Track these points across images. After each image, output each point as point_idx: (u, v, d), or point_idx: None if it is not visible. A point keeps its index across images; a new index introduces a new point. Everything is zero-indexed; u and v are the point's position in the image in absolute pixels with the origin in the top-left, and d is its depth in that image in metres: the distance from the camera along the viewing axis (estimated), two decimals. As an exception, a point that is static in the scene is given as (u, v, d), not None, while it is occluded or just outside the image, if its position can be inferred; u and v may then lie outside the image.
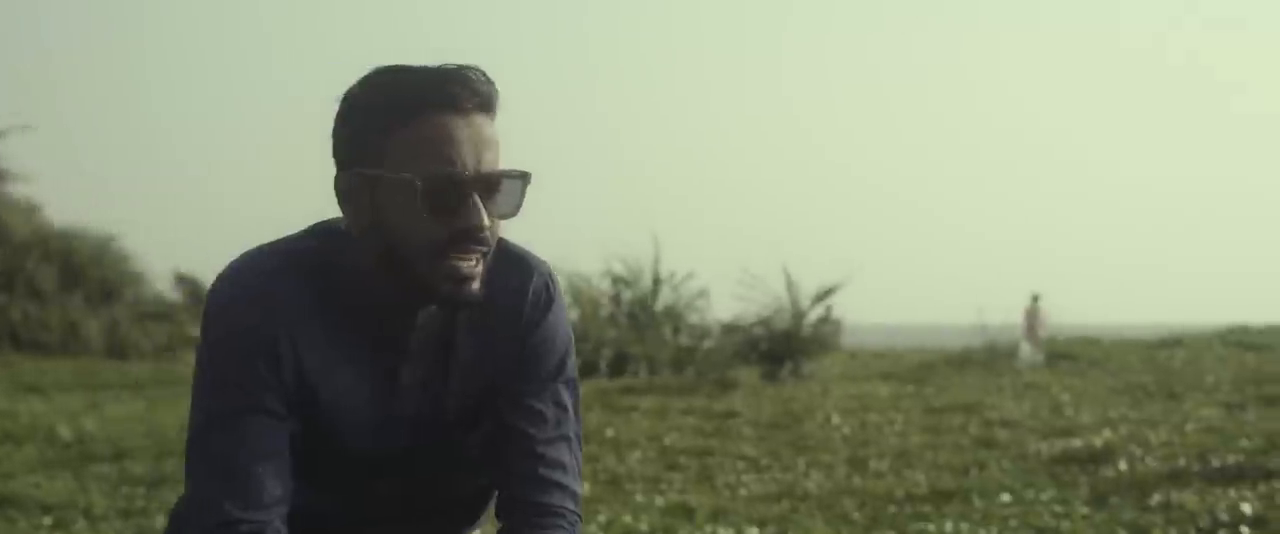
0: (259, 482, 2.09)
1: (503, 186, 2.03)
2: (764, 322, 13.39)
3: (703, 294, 17.91)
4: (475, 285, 2.06)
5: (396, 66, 2.08)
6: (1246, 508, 5.93)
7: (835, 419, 10.63)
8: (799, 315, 13.41)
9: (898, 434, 10.00)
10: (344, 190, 2.06)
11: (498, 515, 2.28)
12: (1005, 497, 7.04)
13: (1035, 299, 29.04)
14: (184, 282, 25.54)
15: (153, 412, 12.10)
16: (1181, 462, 7.75)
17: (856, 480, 7.97)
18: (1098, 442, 8.80)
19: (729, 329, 14.10)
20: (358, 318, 2.14)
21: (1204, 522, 5.78)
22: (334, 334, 2.13)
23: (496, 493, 2.30)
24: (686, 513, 6.99)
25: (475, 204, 2.00)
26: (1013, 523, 6.30)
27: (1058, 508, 6.64)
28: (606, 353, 16.63)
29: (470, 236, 2.01)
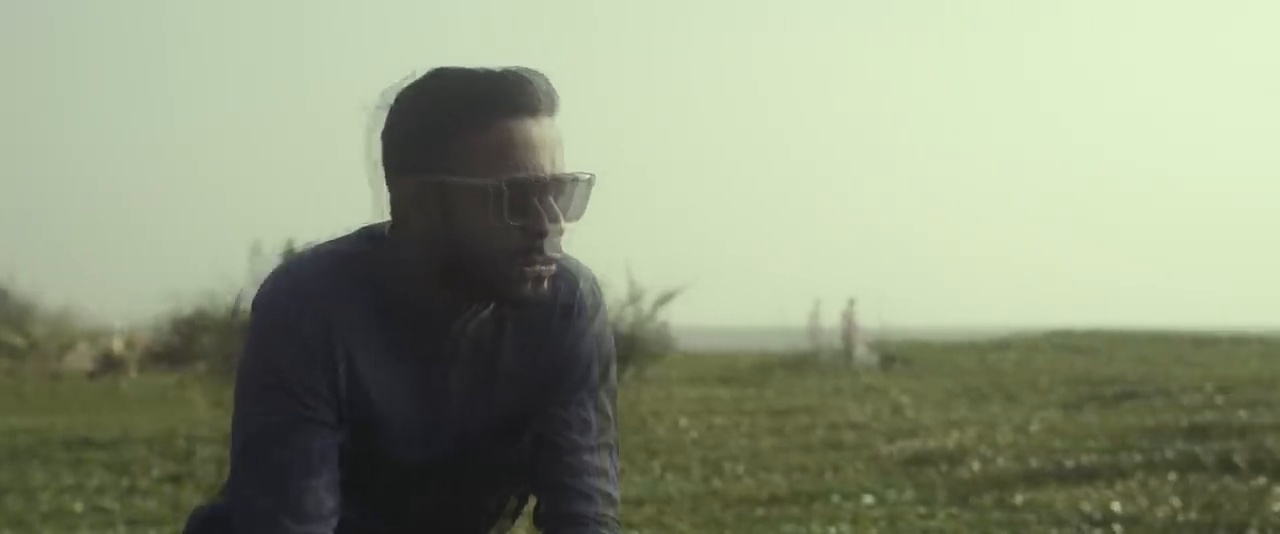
0: (315, 495, 2.02)
1: (574, 189, 2.00)
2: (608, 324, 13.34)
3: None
4: (546, 287, 2.02)
5: (457, 69, 2.04)
6: (1116, 506, 6.02)
7: (682, 422, 10.61)
8: (641, 319, 13.40)
9: (747, 437, 10.02)
10: (409, 195, 2.01)
11: (537, 522, 2.22)
12: (867, 498, 7.06)
13: (851, 304, 29.61)
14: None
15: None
16: (1033, 462, 7.85)
17: (716, 483, 7.94)
18: (949, 443, 8.88)
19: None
20: (408, 325, 2.08)
21: (1075, 520, 5.85)
22: (385, 341, 2.07)
23: (533, 499, 2.25)
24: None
25: (552, 208, 1.98)
26: (882, 524, 6.32)
27: (921, 509, 6.67)
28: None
29: (547, 239, 1.99)
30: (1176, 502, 6.17)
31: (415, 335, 2.09)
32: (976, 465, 7.92)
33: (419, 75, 2.05)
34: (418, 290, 2.06)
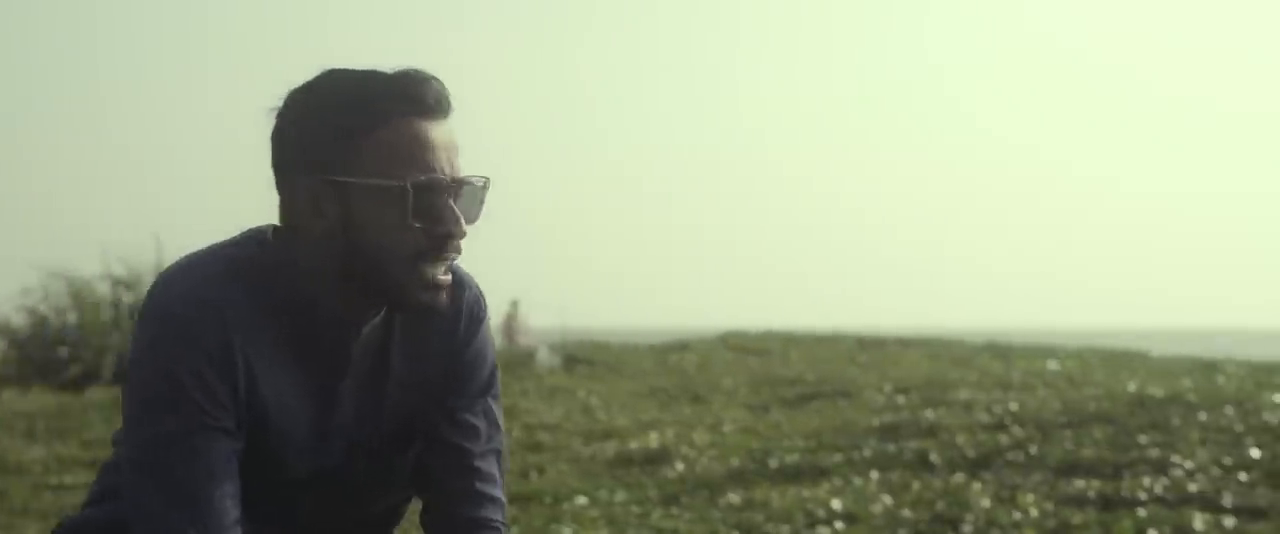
0: (221, 505, 1.95)
1: (471, 192, 1.95)
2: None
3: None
4: (445, 294, 1.98)
5: (353, 70, 1.99)
6: (836, 504, 6.18)
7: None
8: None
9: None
10: (306, 196, 1.93)
11: (427, 527, 2.19)
12: (581, 499, 7.09)
13: (513, 304, 29.59)
14: None
15: None
16: (735, 462, 8.01)
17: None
18: (649, 444, 8.98)
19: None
20: (300, 330, 2.01)
21: (799, 518, 5.99)
22: (278, 346, 2.00)
23: (418, 504, 2.22)
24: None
25: (454, 210, 1.94)
26: (603, 524, 6.35)
27: (635, 509, 6.73)
28: (109, 359, 15.91)
29: (450, 242, 1.96)
30: (888, 498, 6.38)
31: (309, 342, 2.03)
32: (681, 466, 8.03)
33: (312, 77, 1.98)
34: (312, 295, 2.00)
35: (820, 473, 7.43)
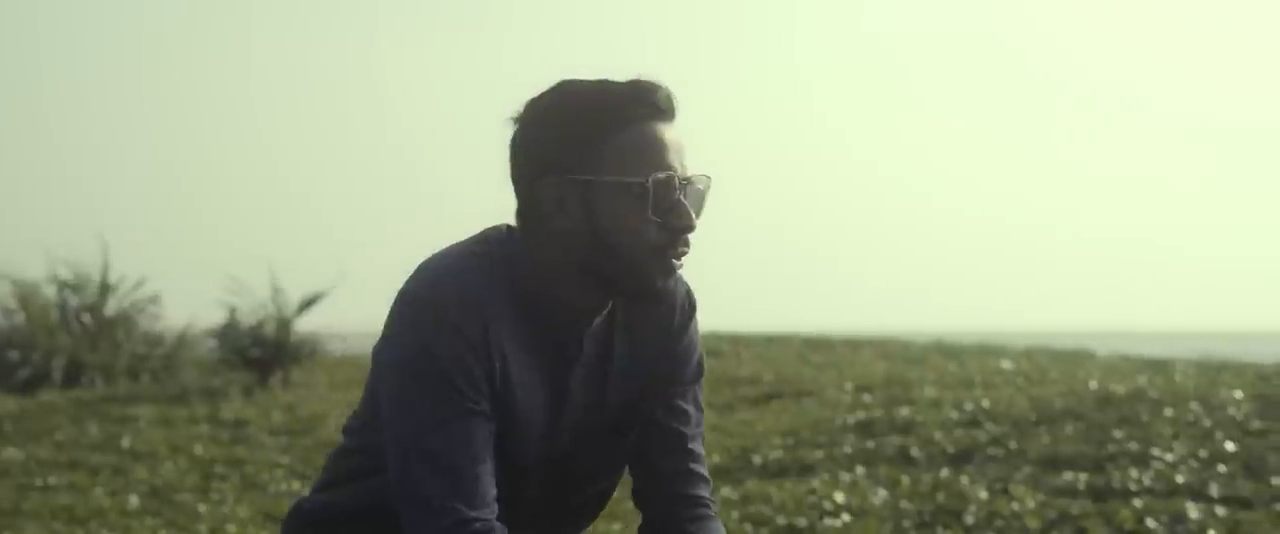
0: (482, 482, 2.13)
1: (697, 189, 2.10)
2: (252, 329, 13.09)
3: (154, 300, 17.33)
4: (673, 282, 2.13)
5: (587, 80, 2.16)
6: (839, 497, 6.35)
7: (349, 426, 10.54)
8: (285, 322, 13.19)
9: (416, 439, 10.04)
10: (551, 196, 2.08)
11: (643, 504, 2.32)
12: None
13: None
14: None
15: None
16: (718, 458, 8.14)
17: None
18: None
19: (214, 335, 13.69)
20: (542, 322, 2.14)
21: (807, 510, 6.15)
22: (522, 337, 2.14)
23: (637, 485, 2.34)
24: (276, 519, 6.82)
25: (685, 205, 2.07)
26: (612, 518, 6.48)
27: (628, 504, 6.85)
28: (59, 362, 15.84)
29: (684, 235, 2.14)
30: (883, 492, 6.55)
31: (548, 333, 2.18)
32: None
33: (548, 87, 2.13)
34: (553, 288, 2.15)
35: (806, 469, 7.60)
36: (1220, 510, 5.67)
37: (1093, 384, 10.21)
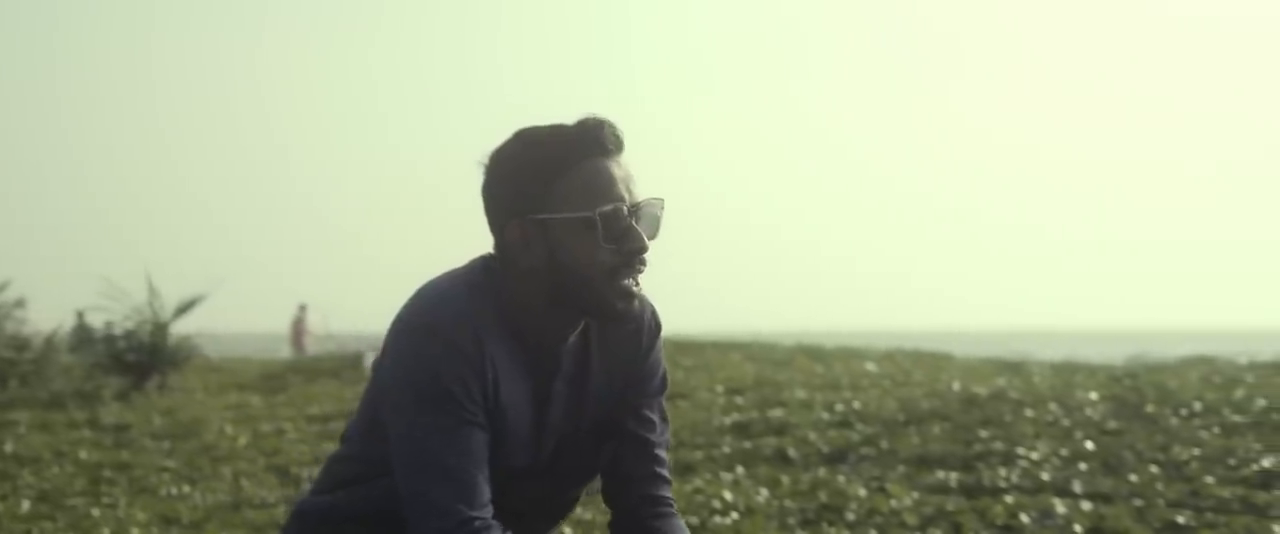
0: (480, 485, 2.41)
1: (649, 213, 2.33)
2: (127, 333, 13.08)
3: (20, 304, 17.20)
4: (636, 303, 2.36)
5: (540, 126, 2.36)
6: (728, 496, 6.62)
7: (229, 430, 10.61)
8: (162, 326, 13.21)
9: (297, 442, 10.14)
10: (515, 237, 2.31)
11: (612, 502, 2.56)
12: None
13: (302, 308, 29.38)
14: None
15: None
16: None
17: (308, 486, 8.10)
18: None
19: (90, 340, 13.66)
20: (525, 344, 2.36)
21: (697, 508, 6.40)
22: (510, 356, 2.36)
23: (607, 485, 2.58)
24: (171, 522, 6.93)
25: (637, 230, 2.30)
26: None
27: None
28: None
29: (638, 257, 2.31)
30: (765, 491, 6.84)
31: (530, 354, 2.41)
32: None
33: (507, 138, 2.37)
34: (530, 315, 2.37)
35: (687, 469, 7.86)
36: (1085, 506, 6.03)
37: (956, 386, 10.62)
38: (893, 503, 6.29)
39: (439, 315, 2.37)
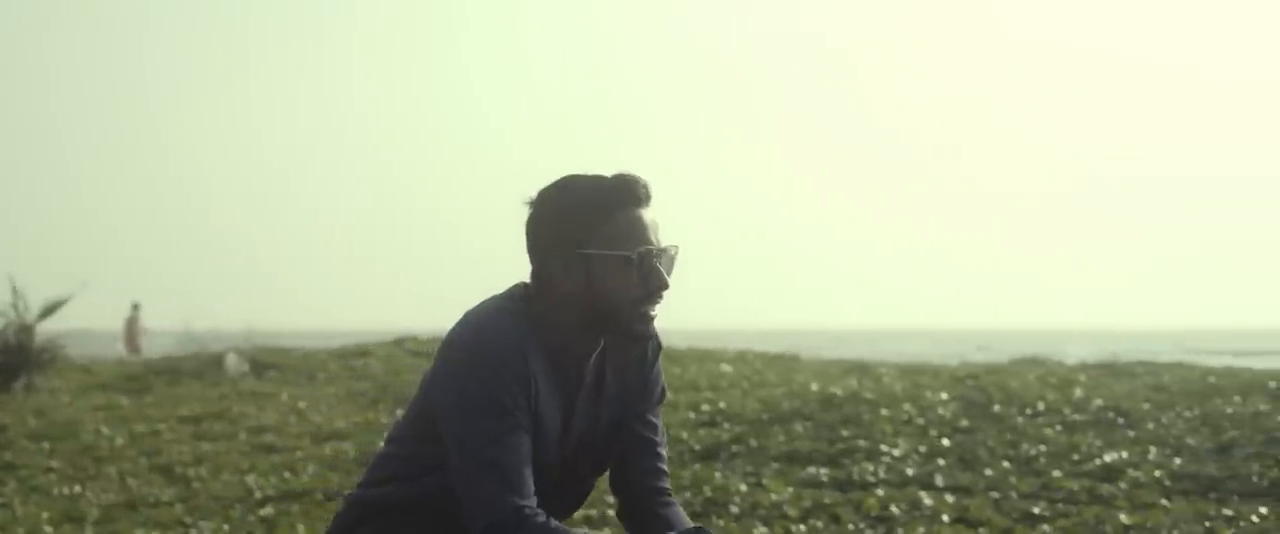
0: (527, 482, 2.86)
1: (669, 256, 2.79)
2: (-8, 336, 13.12)
3: None
4: (652, 326, 2.80)
5: (585, 175, 2.87)
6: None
7: (105, 430, 10.75)
8: (27, 328, 13.27)
9: (174, 442, 10.32)
10: (558, 266, 2.74)
11: (620, 492, 3.00)
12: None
13: (135, 308, 29.18)
14: None
15: None
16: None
17: (198, 485, 8.37)
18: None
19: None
20: (556, 360, 2.80)
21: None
22: (546, 372, 2.80)
23: (615, 478, 3.01)
24: (76, 520, 7.15)
25: (660, 270, 2.75)
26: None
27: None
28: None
29: (660, 292, 2.76)
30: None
31: (560, 368, 2.85)
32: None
33: (556, 179, 2.80)
34: (562, 335, 2.81)
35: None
36: (949, 498, 6.57)
37: (814, 386, 11.17)
38: (772, 497, 6.77)
39: (488, 337, 2.81)
